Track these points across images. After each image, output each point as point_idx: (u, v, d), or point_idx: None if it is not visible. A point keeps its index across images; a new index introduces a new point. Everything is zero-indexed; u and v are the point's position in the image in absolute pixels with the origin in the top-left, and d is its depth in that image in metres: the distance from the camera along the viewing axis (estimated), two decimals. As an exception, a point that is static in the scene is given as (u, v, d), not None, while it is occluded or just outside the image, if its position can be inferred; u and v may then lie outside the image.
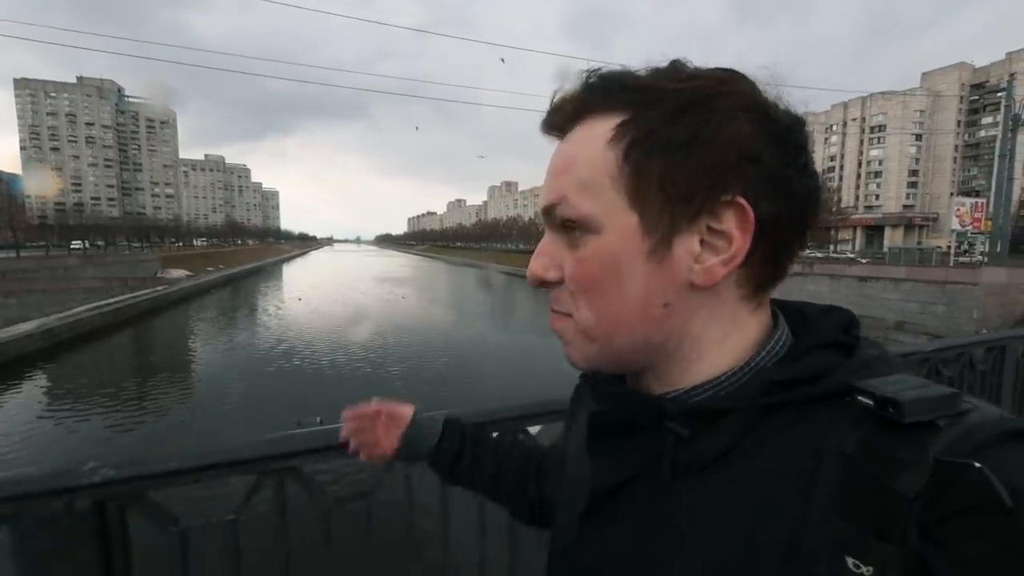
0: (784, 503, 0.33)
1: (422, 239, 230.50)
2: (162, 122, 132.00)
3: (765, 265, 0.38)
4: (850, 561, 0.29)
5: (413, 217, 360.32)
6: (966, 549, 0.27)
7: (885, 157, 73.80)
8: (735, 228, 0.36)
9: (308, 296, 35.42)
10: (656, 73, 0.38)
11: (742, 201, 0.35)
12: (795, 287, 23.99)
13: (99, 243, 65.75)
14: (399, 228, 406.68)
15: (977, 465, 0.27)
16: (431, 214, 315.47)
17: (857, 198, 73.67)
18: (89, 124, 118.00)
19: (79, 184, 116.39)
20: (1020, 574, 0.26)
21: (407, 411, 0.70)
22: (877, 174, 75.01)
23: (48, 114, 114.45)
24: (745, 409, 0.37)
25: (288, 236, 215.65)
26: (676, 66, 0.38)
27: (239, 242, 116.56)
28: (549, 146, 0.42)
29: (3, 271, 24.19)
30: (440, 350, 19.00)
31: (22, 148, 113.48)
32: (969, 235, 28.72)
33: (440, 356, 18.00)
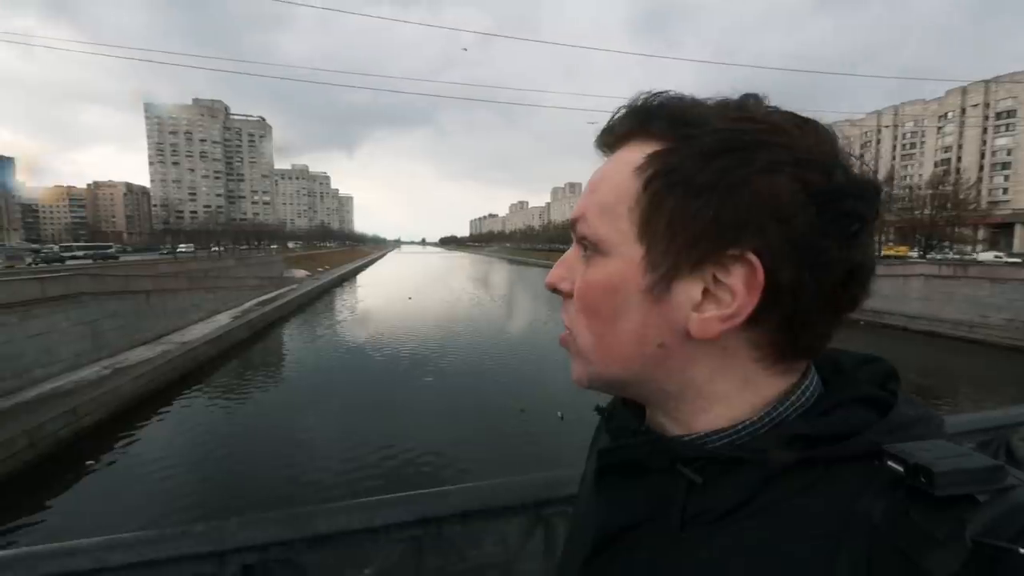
0: (803, 570, 0.30)
1: (487, 241, 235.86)
2: (260, 136, 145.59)
3: (782, 333, 0.35)
4: None
5: (475, 219, 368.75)
6: None
7: (1015, 146, 65.89)
8: (741, 284, 0.33)
9: (417, 296, 37.96)
10: (712, 107, 0.36)
11: (752, 258, 0.33)
12: (946, 290, 22.63)
13: (213, 246, 73.78)
14: (461, 230, 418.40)
15: (1022, 551, 0.25)
16: (493, 216, 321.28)
17: (978, 192, 66.38)
18: (202, 140, 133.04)
19: (194, 193, 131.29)
20: None
21: None
22: (1004, 165, 67.14)
23: (170, 132, 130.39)
24: (764, 461, 0.34)
25: (363, 239, 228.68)
26: (742, 103, 0.36)
27: (323, 245, 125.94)
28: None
29: (199, 271, 28.56)
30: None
31: (150, 163, 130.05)
32: None
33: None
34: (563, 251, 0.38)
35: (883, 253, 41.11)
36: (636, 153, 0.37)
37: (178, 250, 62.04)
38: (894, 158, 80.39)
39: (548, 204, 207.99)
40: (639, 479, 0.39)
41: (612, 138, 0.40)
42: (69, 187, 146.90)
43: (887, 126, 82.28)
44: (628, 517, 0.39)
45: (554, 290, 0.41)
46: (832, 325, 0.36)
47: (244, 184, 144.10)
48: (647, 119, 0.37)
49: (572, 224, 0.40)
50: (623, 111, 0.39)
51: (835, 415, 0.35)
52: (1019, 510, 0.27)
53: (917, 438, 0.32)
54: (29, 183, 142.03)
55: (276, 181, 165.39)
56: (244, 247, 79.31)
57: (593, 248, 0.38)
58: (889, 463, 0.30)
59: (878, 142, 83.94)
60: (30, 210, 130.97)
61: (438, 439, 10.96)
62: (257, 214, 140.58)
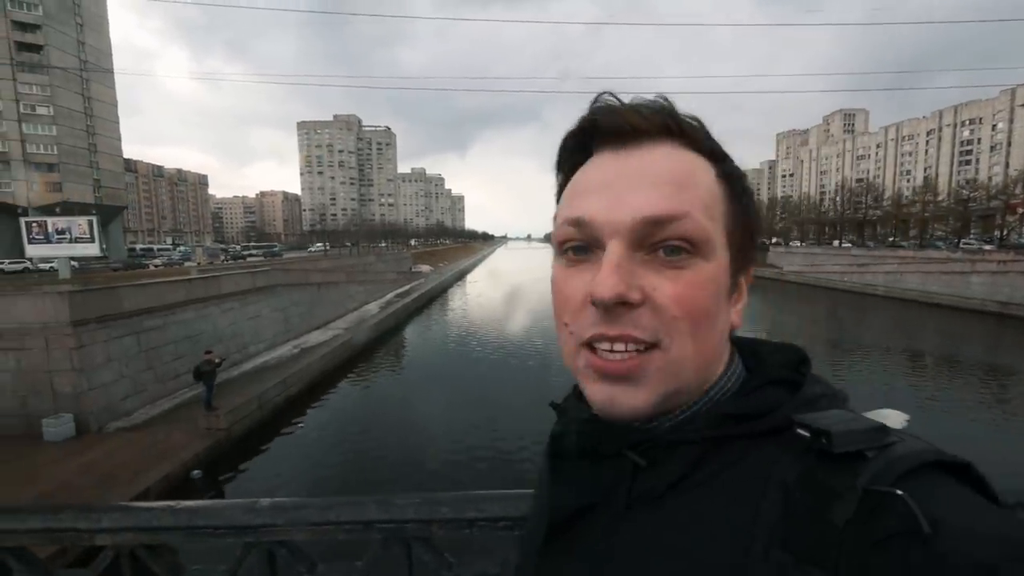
0: (732, 534, 0.34)
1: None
2: (386, 144, 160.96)
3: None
4: None
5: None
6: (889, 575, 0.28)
7: None
8: (744, 282, 0.41)
9: (533, 292, 38.72)
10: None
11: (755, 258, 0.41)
12: None
13: (347, 244, 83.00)
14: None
15: (899, 493, 0.29)
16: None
17: None
18: (340, 151, 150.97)
19: (334, 198, 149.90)
20: None
21: None
22: None
23: (316, 146, 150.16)
24: (698, 441, 0.38)
25: (473, 235, 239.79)
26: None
27: (439, 242, 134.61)
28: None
29: (350, 266, 32.54)
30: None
31: (301, 173, 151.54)
32: None
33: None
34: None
35: None
36: (691, 157, 0.38)
37: (310, 249, 70.64)
38: None
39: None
40: (590, 465, 0.42)
41: (647, 125, 0.38)
42: (243, 196, 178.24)
43: None
44: (580, 500, 0.42)
45: (620, 303, 0.36)
46: None
47: (373, 188, 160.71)
48: (678, 127, 0.38)
49: (653, 221, 0.36)
50: (645, 108, 0.38)
51: (755, 396, 0.39)
52: (897, 461, 0.31)
53: (823, 410, 0.37)
54: (218, 195, 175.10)
55: (398, 184, 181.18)
56: (374, 245, 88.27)
57: (696, 250, 0.37)
58: (798, 431, 0.35)
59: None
60: (216, 217, 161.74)
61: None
62: (383, 215, 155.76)
